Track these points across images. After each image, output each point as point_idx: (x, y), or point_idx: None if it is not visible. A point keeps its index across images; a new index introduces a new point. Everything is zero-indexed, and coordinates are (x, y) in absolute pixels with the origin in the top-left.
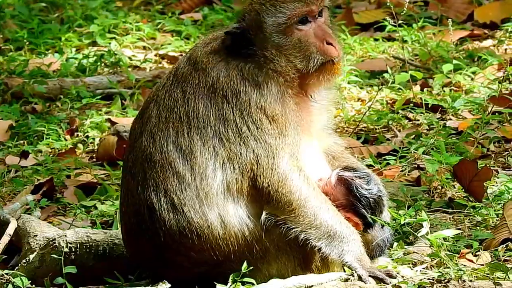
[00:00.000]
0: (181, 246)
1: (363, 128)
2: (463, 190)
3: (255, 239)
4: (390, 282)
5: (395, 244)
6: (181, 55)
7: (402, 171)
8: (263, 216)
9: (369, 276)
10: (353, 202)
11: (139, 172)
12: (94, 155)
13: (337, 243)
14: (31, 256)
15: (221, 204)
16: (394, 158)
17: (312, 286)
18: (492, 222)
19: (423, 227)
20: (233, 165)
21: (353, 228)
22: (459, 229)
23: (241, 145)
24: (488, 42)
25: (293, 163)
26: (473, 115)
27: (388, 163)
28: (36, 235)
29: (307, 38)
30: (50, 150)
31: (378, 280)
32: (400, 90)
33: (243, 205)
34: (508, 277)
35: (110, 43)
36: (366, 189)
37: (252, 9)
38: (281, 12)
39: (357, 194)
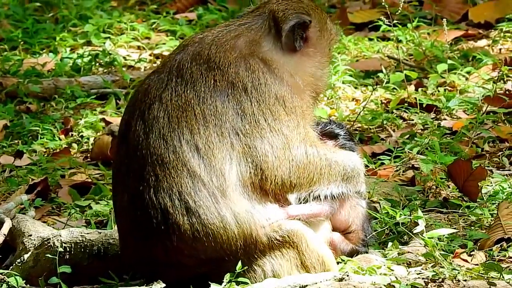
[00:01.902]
0: (193, 250)
1: (357, 128)
2: (457, 190)
3: (260, 236)
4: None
5: (390, 244)
6: None
7: (396, 171)
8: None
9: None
10: (340, 144)
11: (149, 175)
12: (88, 155)
13: (353, 180)
14: (26, 256)
15: (237, 201)
16: (389, 158)
17: (306, 285)
18: (487, 222)
19: (417, 226)
20: (248, 160)
21: (354, 157)
22: (454, 229)
23: (257, 138)
24: (482, 42)
25: (306, 143)
26: (468, 115)
27: (382, 163)
28: (31, 235)
29: None
30: (44, 150)
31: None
32: (395, 90)
33: (257, 200)
34: (503, 277)
35: (104, 43)
36: (338, 128)
37: (315, 12)
38: (334, 28)
39: (340, 134)
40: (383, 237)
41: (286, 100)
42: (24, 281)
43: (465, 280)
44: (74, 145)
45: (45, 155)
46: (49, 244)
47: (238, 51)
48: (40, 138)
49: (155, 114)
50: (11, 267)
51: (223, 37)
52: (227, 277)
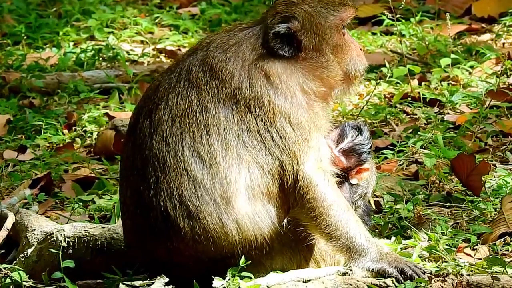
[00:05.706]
0: (194, 251)
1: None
2: (461, 184)
3: (266, 239)
4: (419, 277)
5: (393, 238)
6: (179, 49)
7: (400, 165)
8: (285, 220)
9: (398, 272)
10: (363, 159)
11: (150, 176)
12: (92, 150)
13: (357, 256)
14: (29, 251)
15: (241, 208)
16: (392, 152)
17: (310, 280)
18: (490, 216)
19: (420, 221)
20: (259, 171)
21: (371, 238)
22: (457, 223)
23: (266, 154)
24: (486, 36)
25: (317, 165)
26: (471, 109)
27: (386, 157)
28: (34, 230)
29: (350, 42)
30: (48, 145)
31: (406, 276)
32: (398, 84)
33: (264, 209)
34: (506, 271)
35: (108, 38)
36: (366, 143)
37: (302, 11)
38: (333, 14)
39: (362, 151)
40: (386, 231)
41: (291, 117)
42: (28, 275)
43: (469, 275)
44: (78, 139)
45: (49, 150)
46: (52, 239)
47: (241, 62)
48: (44, 132)
49: (160, 115)
50: (14, 261)
51: (226, 43)
52: (230, 271)
